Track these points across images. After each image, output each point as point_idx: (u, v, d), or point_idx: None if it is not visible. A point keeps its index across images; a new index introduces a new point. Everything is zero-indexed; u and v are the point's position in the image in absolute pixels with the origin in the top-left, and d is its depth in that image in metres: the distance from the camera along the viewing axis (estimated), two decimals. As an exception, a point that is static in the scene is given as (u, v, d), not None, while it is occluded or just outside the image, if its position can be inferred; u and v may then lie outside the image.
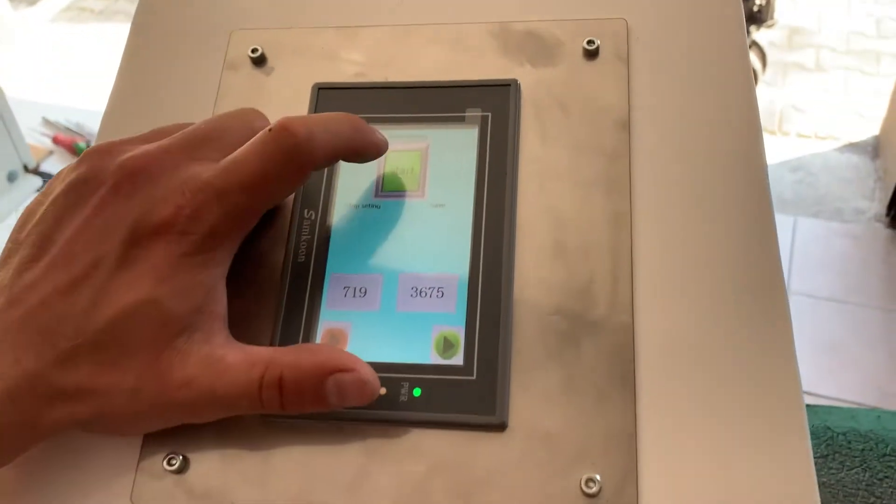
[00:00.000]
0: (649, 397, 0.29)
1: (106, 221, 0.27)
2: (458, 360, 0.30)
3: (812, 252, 2.01)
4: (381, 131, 0.32)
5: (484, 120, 0.34)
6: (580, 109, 0.34)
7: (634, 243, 0.31)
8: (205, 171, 0.28)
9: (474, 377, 0.29)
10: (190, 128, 0.30)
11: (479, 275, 0.31)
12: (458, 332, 0.30)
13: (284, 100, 0.36)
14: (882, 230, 2.06)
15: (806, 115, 2.41)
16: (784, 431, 0.28)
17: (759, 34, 2.37)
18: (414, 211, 0.33)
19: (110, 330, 0.26)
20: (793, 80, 2.52)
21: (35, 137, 1.32)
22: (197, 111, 0.36)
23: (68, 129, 1.34)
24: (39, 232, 0.28)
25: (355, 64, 0.36)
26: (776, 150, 2.31)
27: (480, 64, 0.35)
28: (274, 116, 0.35)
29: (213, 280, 0.29)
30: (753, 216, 0.31)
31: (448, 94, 0.35)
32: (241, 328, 0.32)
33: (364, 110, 0.35)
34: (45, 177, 1.28)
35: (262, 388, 0.27)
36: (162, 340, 0.27)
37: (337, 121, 0.30)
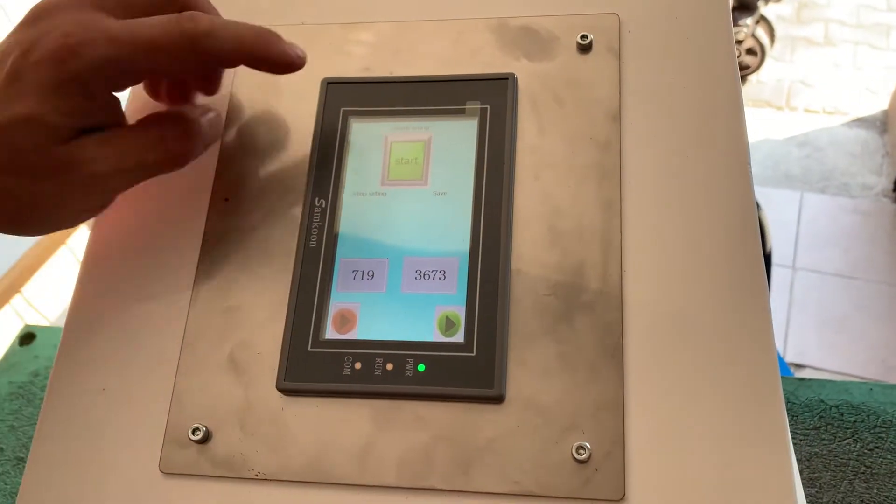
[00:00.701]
0: (636, 370, 0.31)
1: (8, 48, 0.31)
2: (459, 337, 0.32)
3: (819, 227, 2.02)
4: (297, 46, 0.34)
5: (483, 112, 0.36)
6: (574, 101, 0.36)
7: (624, 228, 0.33)
8: (106, 20, 0.31)
9: (474, 353, 0.32)
10: None
11: (479, 258, 0.33)
12: (459, 312, 0.33)
13: (295, 93, 0.38)
14: (889, 205, 2.06)
15: (814, 89, 2.39)
16: (760, 400, 0.30)
17: (768, 8, 2.36)
18: (418, 198, 0.35)
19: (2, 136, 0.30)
20: (801, 54, 2.51)
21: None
22: (213, 102, 0.38)
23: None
24: None
25: (361, 58, 0.38)
26: (783, 126, 2.30)
27: (479, 58, 0.37)
28: (286, 110, 0.38)
29: (98, 103, 0.32)
30: (736, 203, 0.33)
31: (449, 88, 0.37)
32: (257, 309, 0.34)
33: (370, 103, 0.37)
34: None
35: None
36: (51, 147, 0.31)
37: (244, 27, 0.33)
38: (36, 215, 0.33)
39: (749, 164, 0.34)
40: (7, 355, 0.75)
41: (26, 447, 0.65)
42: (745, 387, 0.30)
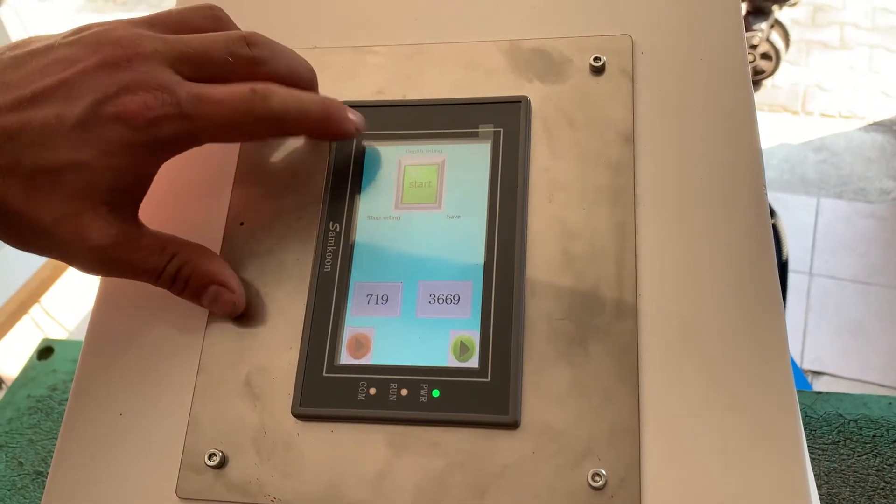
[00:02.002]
0: (652, 396, 0.31)
1: (83, 86, 0.31)
2: (473, 362, 0.32)
3: (835, 233, 2.00)
4: (357, 115, 0.35)
5: (496, 135, 0.36)
6: (587, 124, 0.36)
7: (638, 252, 0.33)
8: (182, 87, 0.31)
9: (489, 379, 0.32)
10: (188, 40, 0.33)
11: (493, 282, 0.33)
12: (474, 337, 0.33)
13: (309, 117, 0.38)
14: (906, 210, 2.04)
15: (830, 94, 2.38)
16: (776, 424, 0.30)
17: (782, 12, 2.34)
18: (431, 222, 0.35)
19: (50, 172, 0.30)
20: (816, 58, 2.49)
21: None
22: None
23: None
24: (34, 66, 0.31)
25: (374, 82, 0.39)
26: (799, 130, 2.29)
27: (492, 80, 0.38)
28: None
29: (148, 172, 0.33)
30: (752, 226, 0.33)
31: (462, 111, 0.37)
32: (272, 333, 0.34)
33: (383, 126, 0.37)
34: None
35: (164, 272, 0.33)
36: (89, 201, 0.31)
37: (313, 103, 0.34)
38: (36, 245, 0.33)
39: (765, 187, 0.34)
40: (26, 369, 0.76)
41: (45, 461, 0.66)
42: (761, 411, 0.30)
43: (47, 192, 0.30)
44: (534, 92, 0.37)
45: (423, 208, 0.35)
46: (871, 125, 2.30)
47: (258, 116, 0.32)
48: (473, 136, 0.36)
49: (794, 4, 2.35)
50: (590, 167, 0.35)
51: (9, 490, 0.64)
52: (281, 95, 0.32)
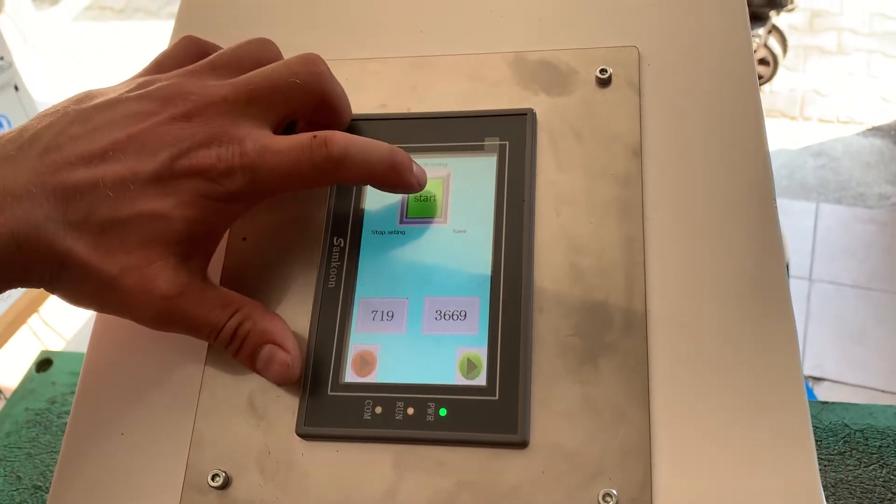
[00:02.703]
0: (663, 413, 0.31)
1: (157, 140, 0.31)
2: (481, 380, 0.32)
3: (835, 238, 2.00)
4: (420, 170, 0.34)
5: (502, 148, 0.35)
6: (594, 136, 0.35)
7: (647, 266, 0.33)
8: (251, 138, 0.31)
9: (497, 397, 0.31)
10: (252, 77, 0.33)
11: (500, 297, 0.33)
12: (481, 354, 0.32)
13: (312, 131, 0.38)
14: (906, 215, 2.04)
15: (828, 99, 2.38)
16: (791, 447, 0.29)
17: (780, 18, 2.35)
18: (437, 237, 0.35)
19: (121, 224, 0.30)
20: (814, 63, 2.50)
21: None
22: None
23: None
24: (102, 119, 0.31)
25: (379, 95, 0.38)
26: (798, 136, 2.29)
27: (497, 93, 0.37)
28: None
29: (219, 225, 0.33)
30: (762, 241, 0.33)
31: (467, 124, 0.36)
32: (277, 351, 0.34)
33: (388, 140, 0.36)
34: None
35: (224, 328, 0.32)
36: (159, 251, 0.31)
37: (376, 153, 0.33)
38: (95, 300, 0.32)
39: (775, 199, 0.33)
40: (24, 382, 0.75)
41: (44, 475, 0.65)
42: (773, 429, 0.30)
43: (117, 242, 0.30)
44: (540, 104, 0.36)
45: (429, 223, 0.35)
46: (869, 130, 2.31)
47: (318, 164, 0.31)
48: (479, 149, 0.36)
49: (791, 10, 2.35)
50: (597, 180, 0.35)
51: (7, 504, 0.64)
52: (343, 144, 0.32)
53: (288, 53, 0.35)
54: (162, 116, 0.31)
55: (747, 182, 0.34)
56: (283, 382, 0.32)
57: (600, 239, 0.34)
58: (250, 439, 0.32)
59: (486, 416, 0.31)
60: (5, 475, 0.66)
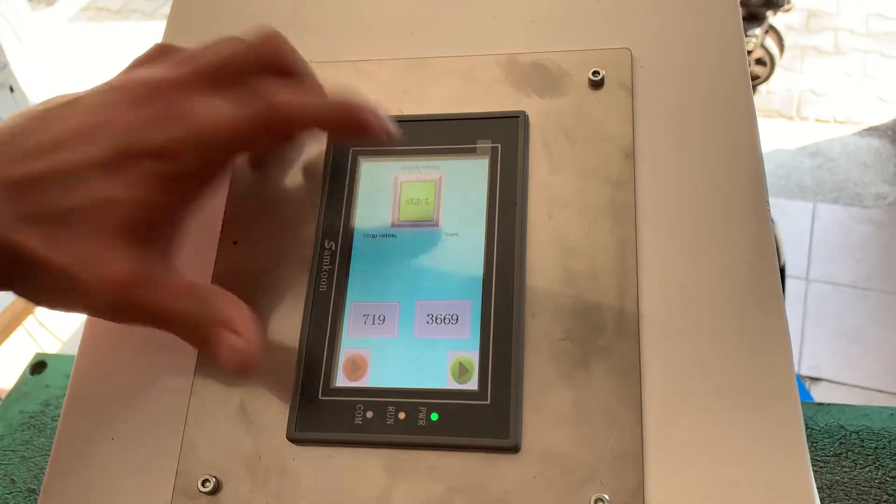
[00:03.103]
0: (655, 418, 0.30)
1: (108, 126, 0.30)
2: (472, 384, 0.31)
3: (832, 238, 2.00)
4: (386, 115, 0.32)
5: (494, 151, 0.35)
6: (586, 139, 0.35)
7: (640, 269, 0.33)
8: (200, 112, 0.31)
9: (488, 402, 0.31)
10: (202, 53, 0.32)
11: (492, 301, 0.33)
12: (473, 358, 0.32)
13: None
14: (903, 215, 2.04)
15: (825, 99, 2.38)
16: (783, 448, 0.29)
17: (776, 18, 2.35)
18: (429, 240, 0.34)
19: (73, 213, 0.29)
20: (811, 63, 2.50)
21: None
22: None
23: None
24: (58, 113, 0.31)
25: (371, 97, 0.38)
26: (795, 136, 2.29)
27: (490, 95, 0.37)
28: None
29: (179, 207, 0.32)
30: (755, 244, 0.32)
31: (460, 127, 0.36)
32: (267, 354, 0.33)
33: (381, 142, 0.36)
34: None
35: (182, 315, 0.31)
36: (114, 237, 0.29)
37: (326, 100, 0.32)
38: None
39: (767, 201, 0.33)
40: (18, 385, 0.75)
41: (38, 479, 0.65)
42: (768, 434, 0.29)
43: (69, 232, 0.29)
44: (532, 107, 0.36)
45: (421, 226, 0.35)
46: (866, 130, 2.31)
47: (264, 120, 0.31)
48: (471, 151, 0.36)
49: (788, 10, 2.36)
50: (589, 183, 0.34)
51: (1, 508, 0.63)
52: (285, 93, 0.31)
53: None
54: (114, 104, 0.31)
55: (740, 184, 0.33)
56: (237, 369, 0.30)
57: (593, 242, 0.33)
58: (241, 444, 0.32)
59: (478, 420, 0.31)
60: (-1, 478, 0.65)
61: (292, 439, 0.32)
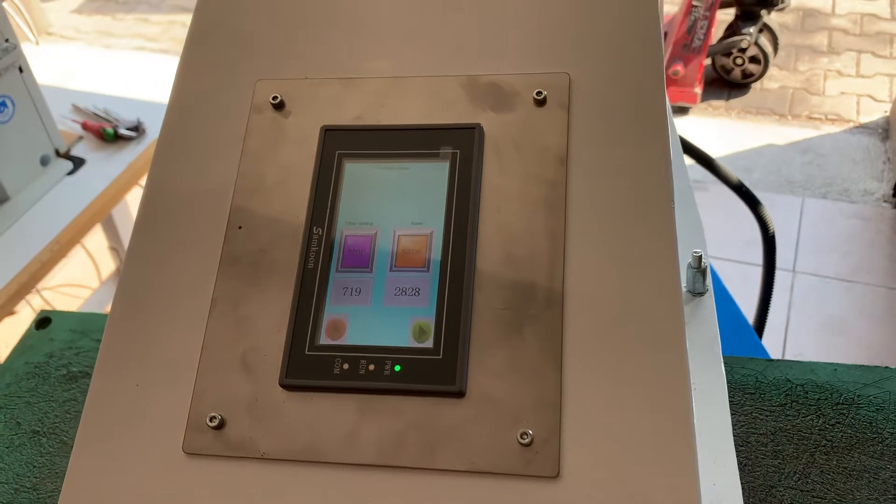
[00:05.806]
0: (572, 372, 0.38)
1: None
2: (429, 343, 0.39)
3: (819, 232, 2.04)
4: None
5: (454, 156, 0.43)
6: (530, 147, 0.43)
7: (567, 254, 0.40)
8: None
9: (441, 357, 0.39)
10: None
11: (448, 278, 0.40)
12: (430, 322, 0.40)
13: (298, 138, 0.45)
14: (889, 210, 2.07)
15: (817, 97, 2.43)
16: (669, 399, 0.37)
17: (771, 17, 2.39)
18: (399, 228, 0.42)
19: None
20: (804, 62, 2.54)
21: (65, 123, 1.39)
22: (231, 144, 0.46)
23: (97, 115, 1.41)
24: None
25: (354, 109, 0.46)
26: (786, 133, 2.34)
27: (452, 110, 0.45)
28: (291, 152, 0.45)
29: None
30: (659, 234, 0.40)
31: (426, 135, 0.44)
32: (265, 319, 0.41)
33: (361, 147, 0.44)
34: (75, 161, 1.35)
35: None
36: None
37: None
38: None
39: (672, 200, 0.41)
40: (23, 339, 0.81)
41: (42, 422, 0.71)
42: (657, 385, 0.37)
43: None
44: (487, 120, 0.44)
45: (392, 218, 0.42)
46: (857, 128, 2.34)
47: None
48: (435, 156, 0.43)
49: (783, 9, 2.39)
50: (531, 183, 0.42)
51: (7, 448, 0.70)
52: None
53: (276, 74, 0.42)
54: None
55: (649, 185, 0.41)
56: None
57: (531, 231, 0.41)
58: (242, 389, 0.40)
59: (432, 371, 0.39)
60: (5, 421, 0.72)
61: (284, 385, 0.40)
